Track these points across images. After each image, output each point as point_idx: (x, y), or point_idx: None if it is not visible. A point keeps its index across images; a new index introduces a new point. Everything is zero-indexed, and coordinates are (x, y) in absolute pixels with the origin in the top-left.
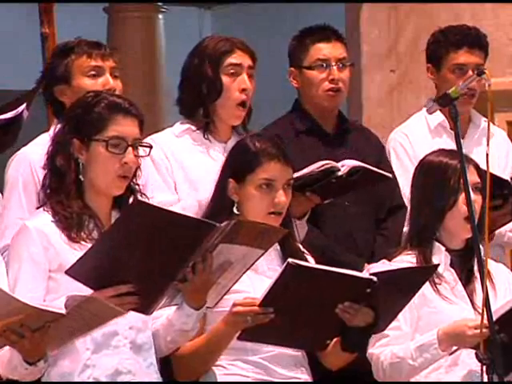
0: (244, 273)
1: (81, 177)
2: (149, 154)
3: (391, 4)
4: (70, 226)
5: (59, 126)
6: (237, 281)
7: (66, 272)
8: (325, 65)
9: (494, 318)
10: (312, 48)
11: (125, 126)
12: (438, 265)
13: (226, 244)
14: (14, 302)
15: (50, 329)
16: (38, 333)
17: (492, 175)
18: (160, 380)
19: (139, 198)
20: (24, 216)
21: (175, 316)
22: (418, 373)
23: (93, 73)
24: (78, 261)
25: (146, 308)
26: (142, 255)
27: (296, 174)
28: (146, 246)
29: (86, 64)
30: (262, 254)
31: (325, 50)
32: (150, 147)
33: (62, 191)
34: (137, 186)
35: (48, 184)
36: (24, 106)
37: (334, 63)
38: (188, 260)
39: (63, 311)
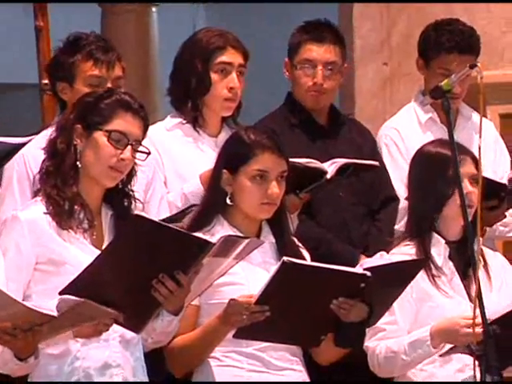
0: (219, 278)
1: (78, 163)
2: (145, 160)
3: None
4: (61, 212)
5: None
6: (210, 287)
7: (61, 293)
8: (311, 66)
9: (496, 318)
10: (303, 47)
11: (130, 125)
12: (428, 259)
13: (208, 258)
14: (11, 302)
15: (44, 325)
16: (29, 332)
17: (489, 179)
18: (145, 373)
19: (137, 212)
20: None
21: (156, 322)
22: (412, 367)
23: (95, 83)
24: (73, 280)
25: (137, 327)
26: (137, 274)
27: None
28: (142, 265)
29: (89, 72)
30: (236, 262)
31: (314, 51)
32: (148, 153)
33: (59, 175)
34: (131, 192)
35: (46, 167)
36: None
37: (320, 66)
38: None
39: (55, 313)
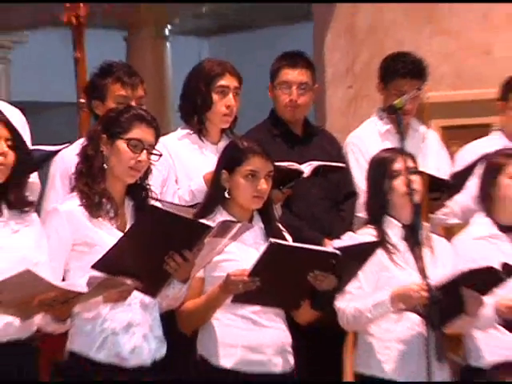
0: (217, 254)
1: (105, 165)
2: (157, 160)
3: (350, 34)
4: (92, 204)
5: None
6: (211, 261)
7: (92, 267)
8: (287, 86)
9: (439, 285)
10: (281, 71)
11: (145, 133)
12: (384, 240)
13: (208, 238)
14: (51, 286)
15: (76, 298)
16: (65, 304)
17: (433, 176)
18: (161, 330)
19: (153, 203)
20: None
21: (168, 289)
22: (373, 323)
23: (122, 101)
24: (102, 257)
25: (153, 292)
26: (153, 251)
27: None
28: (156, 244)
29: (117, 92)
30: (231, 242)
31: (289, 74)
32: (160, 155)
33: (90, 175)
34: (148, 186)
35: (79, 169)
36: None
37: (294, 86)
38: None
39: (84, 290)
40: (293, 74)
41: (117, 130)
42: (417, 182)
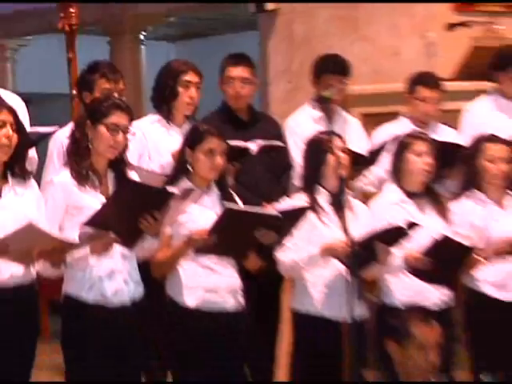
0: (179, 215)
1: (90, 145)
2: (133, 137)
3: (289, 40)
4: (81, 176)
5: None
6: (176, 220)
7: (85, 224)
8: (232, 81)
9: (358, 241)
10: (226, 69)
11: (120, 118)
12: (314, 204)
13: (173, 202)
14: (49, 237)
15: (69, 247)
16: (61, 253)
17: (355, 152)
18: (138, 275)
19: (130, 176)
20: None
21: (143, 243)
22: (307, 270)
23: (106, 93)
24: (90, 217)
25: (130, 245)
26: (130, 212)
27: None
28: (132, 207)
29: (103, 85)
30: (191, 204)
31: (233, 71)
32: (133, 134)
33: (78, 154)
34: (125, 158)
35: (69, 148)
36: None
37: (237, 81)
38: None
39: (77, 241)
40: (236, 71)
41: (98, 117)
42: (344, 158)
